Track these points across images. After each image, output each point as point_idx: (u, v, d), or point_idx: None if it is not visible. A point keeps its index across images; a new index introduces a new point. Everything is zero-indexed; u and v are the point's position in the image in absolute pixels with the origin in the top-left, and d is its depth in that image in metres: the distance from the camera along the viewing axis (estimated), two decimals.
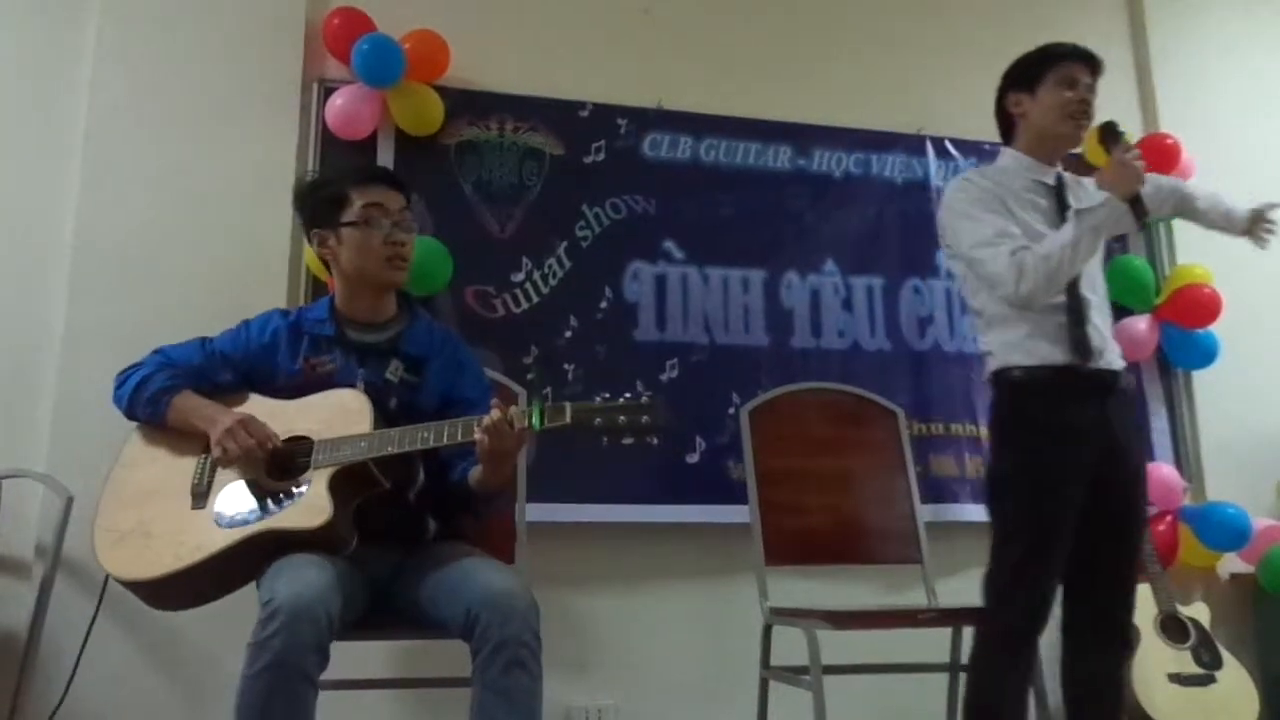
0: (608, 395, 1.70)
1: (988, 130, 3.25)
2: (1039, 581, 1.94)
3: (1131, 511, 2.03)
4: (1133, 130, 3.31)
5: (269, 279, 2.65)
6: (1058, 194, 2.09)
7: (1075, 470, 1.94)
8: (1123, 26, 3.57)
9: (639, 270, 2.96)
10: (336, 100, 2.75)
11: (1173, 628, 2.80)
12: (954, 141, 3.30)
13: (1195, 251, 3.27)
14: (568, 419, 1.67)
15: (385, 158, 2.79)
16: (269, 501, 1.77)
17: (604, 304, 2.91)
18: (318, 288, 2.63)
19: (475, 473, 1.87)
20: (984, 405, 3.09)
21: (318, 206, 2.01)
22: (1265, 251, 3.41)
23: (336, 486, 1.75)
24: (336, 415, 1.83)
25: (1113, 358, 2.04)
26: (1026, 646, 1.96)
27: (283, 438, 1.84)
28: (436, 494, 1.95)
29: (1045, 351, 1.98)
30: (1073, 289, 2.00)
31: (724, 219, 3.06)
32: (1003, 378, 2.04)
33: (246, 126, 2.75)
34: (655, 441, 1.65)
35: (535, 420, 1.68)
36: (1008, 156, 2.18)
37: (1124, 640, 2.10)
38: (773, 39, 3.28)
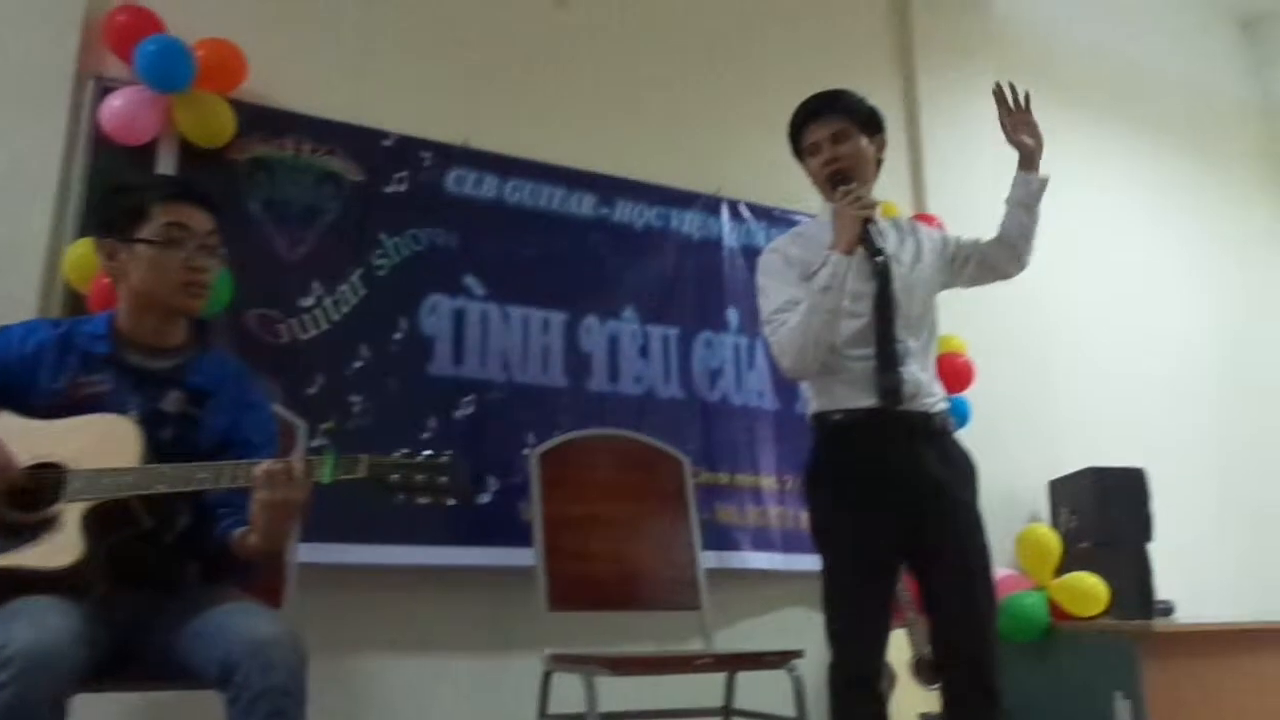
0: (407, 451, 1.65)
1: (778, 197, 3.48)
2: (863, 625, 1.95)
3: (956, 545, 1.97)
4: (903, 208, 3.60)
5: (19, 286, 2.40)
6: (864, 241, 2.01)
7: (883, 511, 1.94)
8: (898, 115, 3.90)
9: (438, 303, 2.90)
10: (114, 101, 2.55)
11: (925, 670, 3.00)
12: (748, 205, 3.46)
13: (954, 324, 3.58)
14: (363, 473, 1.60)
15: (165, 167, 2.60)
16: (7, 536, 1.58)
17: (398, 335, 2.83)
18: (75, 300, 2.41)
19: (239, 534, 1.73)
20: (767, 457, 3.27)
21: (114, 214, 1.84)
22: (1013, 326, 3.82)
23: (91, 523, 1.59)
24: (99, 443, 1.67)
25: (929, 401, 2.04)
26: (864, 691, 1.93)
27: (30, 463, 1.65)
28: (201, 539, 1.80)
29: (855, 397, 2.00)
30: (885, 336, 2.01)
31: (527, 259, 3.06)
32: (819, 421, 2.07)
33: (5, 119, 2.50)
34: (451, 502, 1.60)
35: (327, 472, 1.60)
36: (822, 210, 2.19)
37: (986, 686, 1.91)
38: (583, 90, 3.34)
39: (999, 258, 2.23)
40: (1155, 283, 4.46)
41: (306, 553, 2.27)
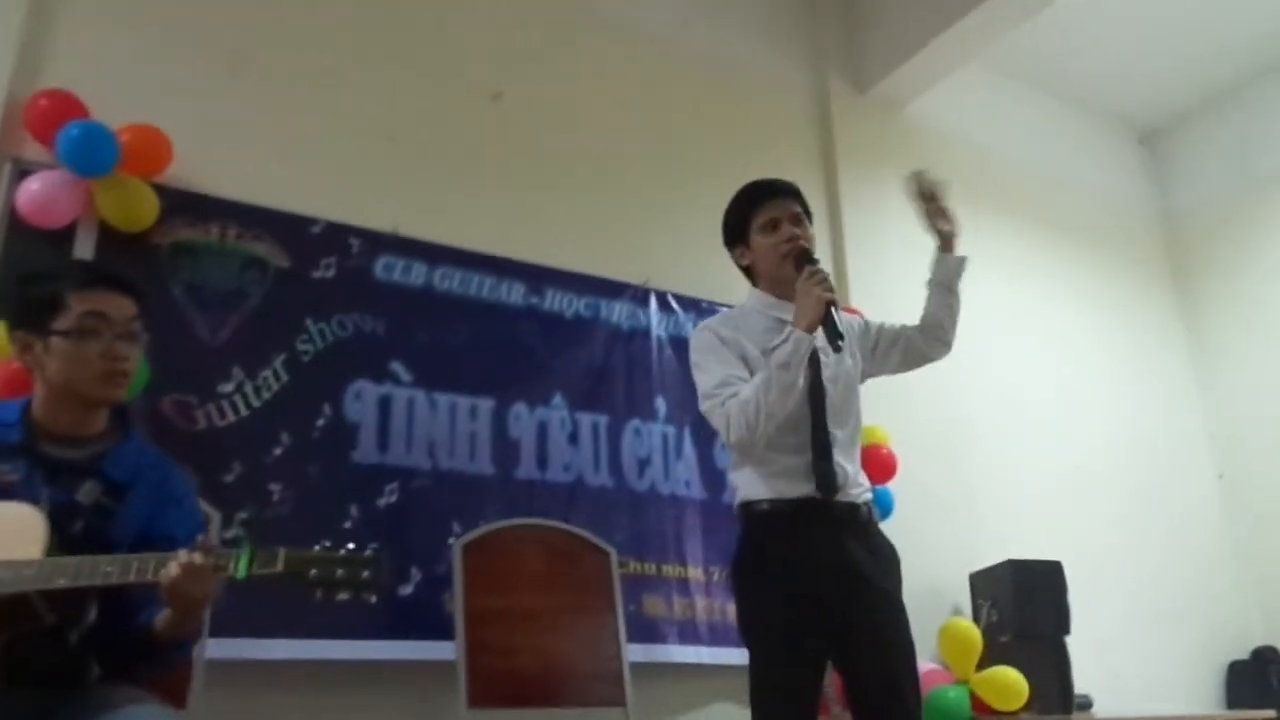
0: (328, 544, 1.59)
1: (706, 289, 3.55)
2: (790, 719, 1.93)
3: (881, 636, 1.97)
4: None
5: None
6: (826, 323, 1.97)
7: (810, 602, 1.93)
8: (821, 212, 4.01)
9: (363, 390, 2.86)
10: (32, 184, 2.51)
11: None
12: (675, 296, 3.53)
13: (877, 415, 3.66)
14: (280, 567, 1.55)
15: (83, 250, 2.56)
16: None
17: (321, 422, 2.77)
18: None
19: (162, 618, 1.66)
20: (694, 548, 3.26)
21: (26, 305, 1.78)
22: (934, 418, 3.91)
23: None
24: (1, 534, 1.58)
25: (856, 492, 2.05)
26: None
27: None
28: (108, 636, 1.71)
29: (785, 486, 2.00)
30: (818, 426, 2.01)
31: (455, 346, 3.05)
32: (747, 510, 2.06)
33: None
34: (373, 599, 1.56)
35: (242, 566, 1.54)
36: (751, 296, 2.22)
37: None
38: (514, 180, 3.39)
39: (924, 343, 2.27)
40: (1070, 380, 4.63)
41: (215, 648, 2.18)
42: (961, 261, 2.24)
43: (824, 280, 1.98)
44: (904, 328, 2.29)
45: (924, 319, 2.26)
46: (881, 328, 2.30)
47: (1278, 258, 4.91)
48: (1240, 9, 4.63)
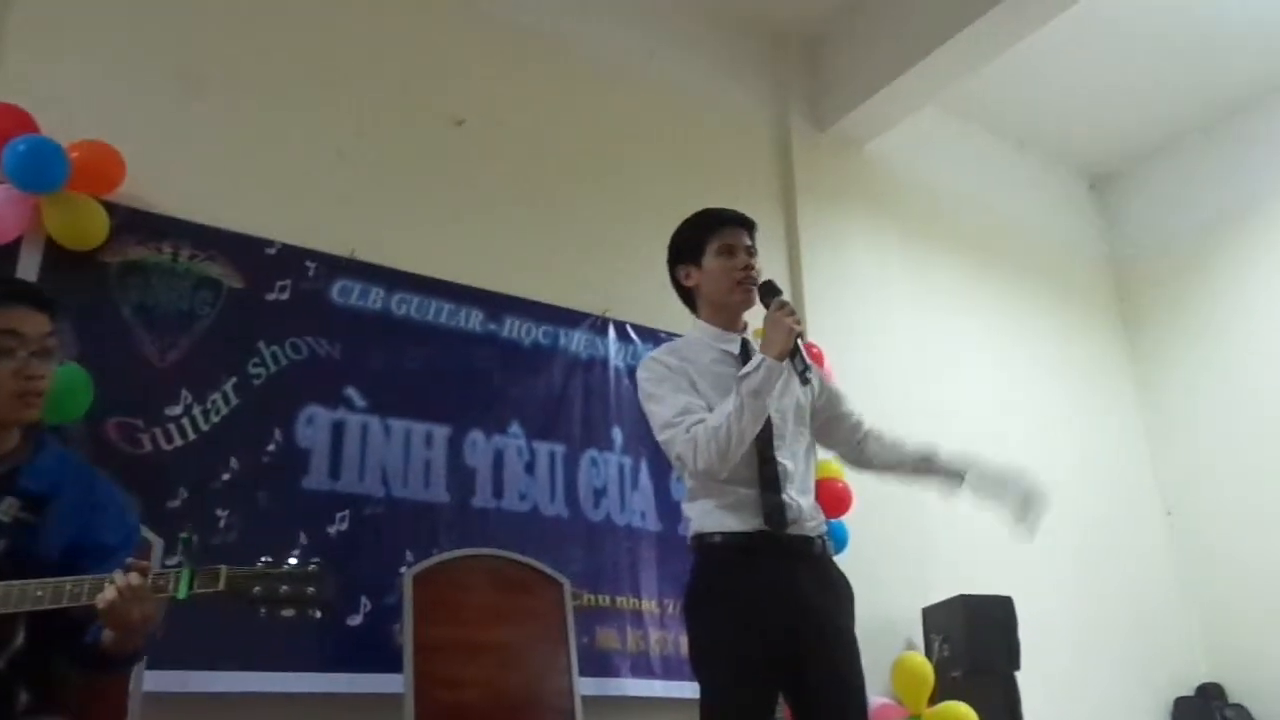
0: (269, 559, 1.56)
1: (665, 320, 3.54)
2: None
3: (832, 670, 1.97)
4: None
5: None
6: (743, 362, 2.05)
7: (762, 635, 1.92)
8: (780, 245, 4.09)
9: (315, 415, 2.82)
10: None
11: None
12: (634, 327, 3.53)
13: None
14: (221, 586, 1.51)
15: (28, 268, 2.50)
16: None
17: (272, 447, 2.72)
18: None
19: (106, 635, 1.61)
20: (649, 580, 3.23)
21: None
22: None
23: None
24: None
25: (810, 525, 2.05)
26: None
27: None
28: (41, 657, 1.64)
29: (738, 519, 2.00)
30: (767, 459, 2.02)
31: (412, 372, 3.02)
32: (700, 542, 2.05)
33: None
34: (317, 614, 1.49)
35: (183, 586, 1.50)
36: (694, 328, 2.22)
37: None
38: (475, 207, 3.38)
39: (852, 446, 2.29)
40: (1022, 418, 4.68)
41: (153, 681, 2.10)
42: (959, 488, 2.24)
43: (794, 313, 2.00)
44: (850, 415, 2.29)
45: (885, 447, 2.27)
46: (829, 394, 2.28)
47: (1222, 299, 5.05)
48: (1187, 61, 4.78)
